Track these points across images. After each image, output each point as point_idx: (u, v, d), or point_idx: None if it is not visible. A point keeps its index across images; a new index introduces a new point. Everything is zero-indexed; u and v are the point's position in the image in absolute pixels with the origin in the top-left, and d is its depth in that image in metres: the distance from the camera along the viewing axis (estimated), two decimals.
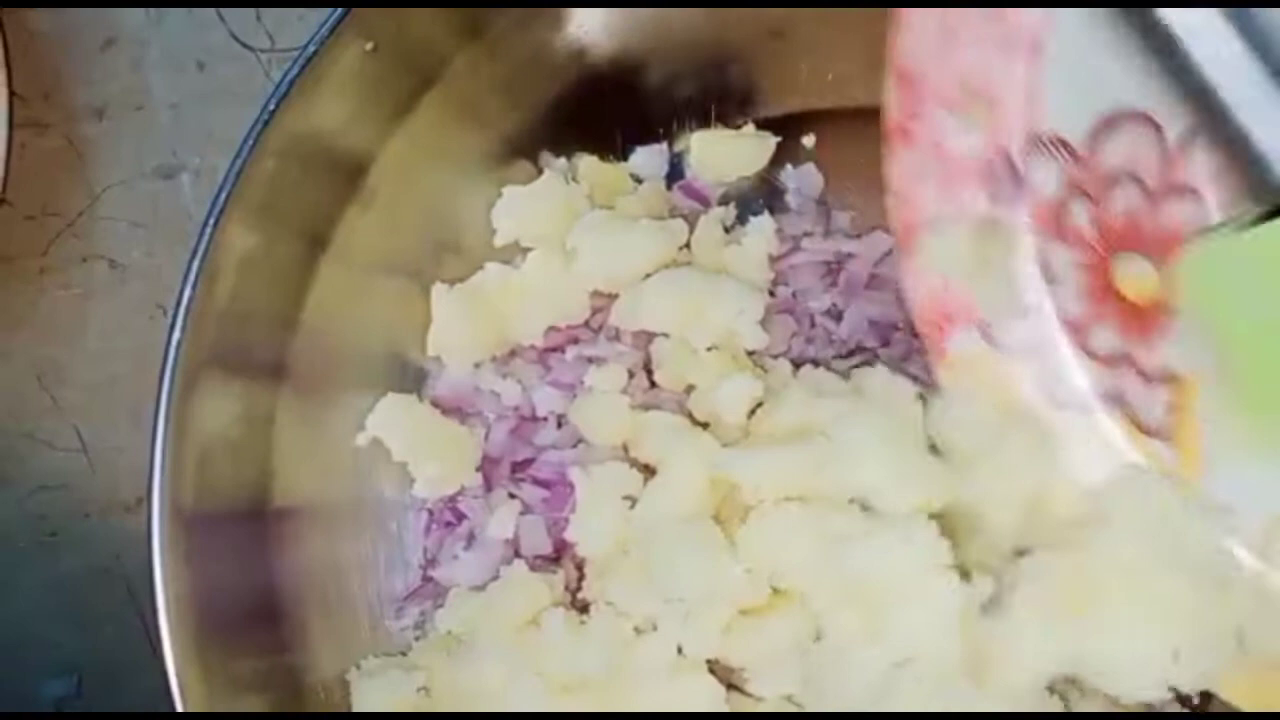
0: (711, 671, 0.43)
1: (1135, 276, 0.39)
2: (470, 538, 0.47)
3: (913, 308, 0.42)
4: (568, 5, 0.46)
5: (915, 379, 0.45)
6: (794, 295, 0.49)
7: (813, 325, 0.48)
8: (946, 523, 0.41)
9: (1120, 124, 0.38)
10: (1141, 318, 0.39)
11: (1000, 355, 0.41)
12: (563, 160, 0.49)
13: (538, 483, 0.47)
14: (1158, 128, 0.37)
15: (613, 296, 0.47)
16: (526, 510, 0.47)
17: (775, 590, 0.42)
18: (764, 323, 0.47)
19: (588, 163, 0.49)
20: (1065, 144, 0.39)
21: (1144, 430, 0.40)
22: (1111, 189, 0.39)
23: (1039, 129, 0.39)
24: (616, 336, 0.48)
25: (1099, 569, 0.40)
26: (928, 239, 0.41)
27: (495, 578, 0.45)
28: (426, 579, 0.47)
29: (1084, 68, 0.38)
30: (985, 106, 0.39)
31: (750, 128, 0.50)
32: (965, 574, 0.41)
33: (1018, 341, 0.41)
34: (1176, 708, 0.44)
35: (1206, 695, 0.45)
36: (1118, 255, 0.39)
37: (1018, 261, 0.40)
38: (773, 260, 0.48)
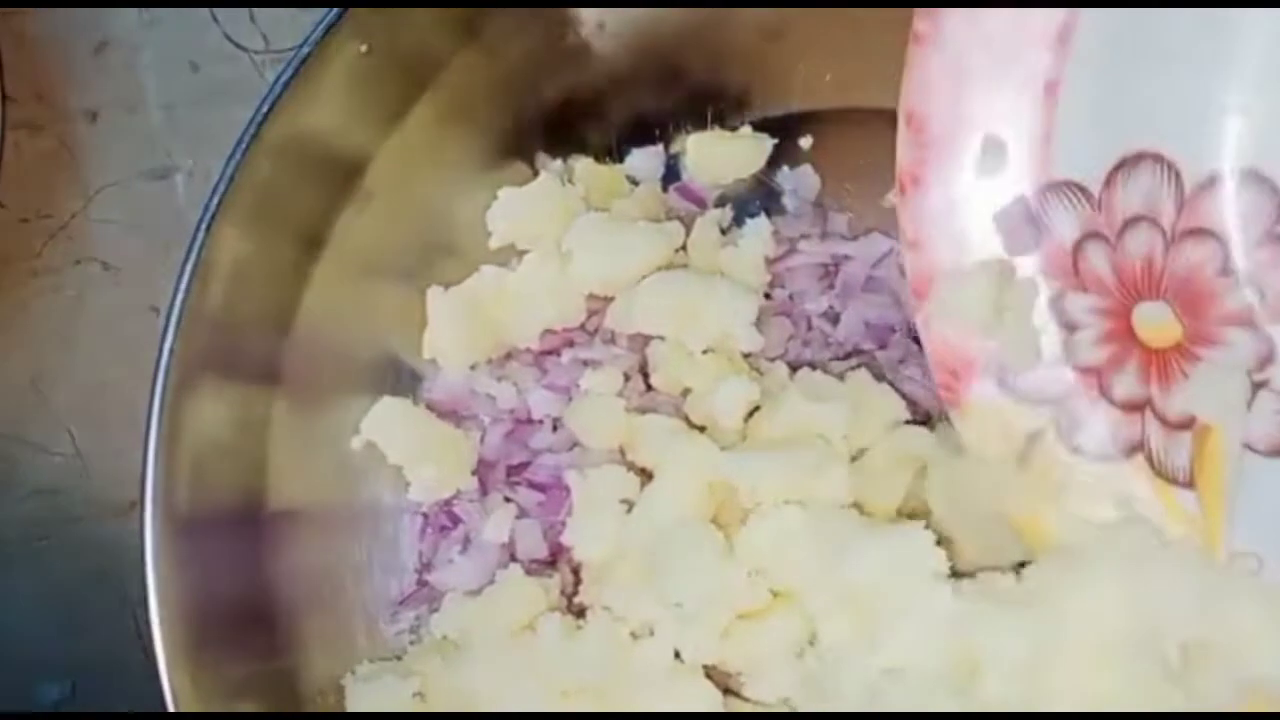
0: (708, 676, 0.43)
1: (1154, 321, 0.39)
2: (466, 542, 0.47)
3: (929, 356, 0.42)
4: (565, 5, 0.45)
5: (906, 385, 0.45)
6: (791, 298, 0.48)
7: (809, 328, 0.48)
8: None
9: (1137, 166, 0.38)
10: (1162, 363, 0.39)
11: (1018, 404, 0.40)
12: (558, 162, 0.49)
13: (534, 486, 0.47)
14: (1175, 170, 0.37)
15: (609, 299, 0.47)
16: (522, 514, 0.46)
17: (773, 594, 0.42)
18: (760, 325, 0.47)
19: (583, 165, 0.49)
20: (1082, 189, 0.38)
21: (1166, 478, 0.39)
22: (1128, 233, 0.38)
23: (1054, 175, 0.38)
24: (612, 339, 0.48)
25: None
26: (943, 288, 0.40)
27: (491, 582, 0.45)
28: (421, 583, 0.47)
29: (1100, 110, 0.37)
30: (999, 151, 0.39)
31: (747, 130, 0.50)
32: (963, 575, 0.41)
33: (1036, 390, 0.40)
34: None
35: None
36: (1137, 301, 0.38)
37: (1035, 309, 0.40)
38: (769, 263, 0.48)
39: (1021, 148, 0.39)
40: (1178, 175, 0.37)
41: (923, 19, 0.38)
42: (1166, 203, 0.37)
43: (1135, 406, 0.39)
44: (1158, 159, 0.37)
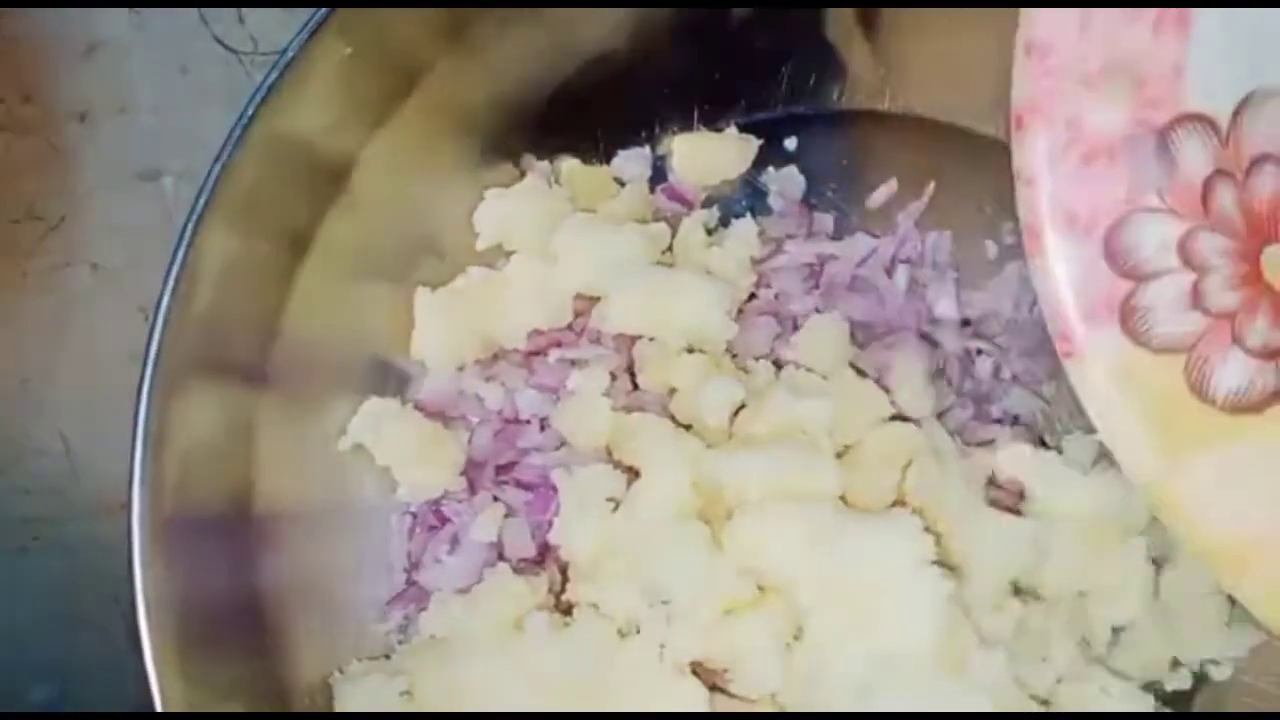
0: (695, 673, 0.43)
1: None
2: (454, 541, 0.47)
3: (1044, 300, 0.38)
4: (560, 5, 0.46)
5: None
6: (776, 297, 0.49)
7: (795, 328, 0.48)
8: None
9: (1265, 103, 0.36)
10: None
11: (1146, 352, 0.37)
12: (545, 163, 0.49)
13: (521, 485, 0.47)
14: None
15: (595, 300, 0.47)
16: (510, 513, 0.47)
17: (760, 588, 0.42)
18: (746, 325, 0.47)
19: (570, 166, 0.49)
20: (1212, 123, 0.36)
21: None
22: (1255, 171, 0.36)
23: (1185, 107, 0.36)
24: (599, 340, 0.48)
25: None
26: (1061, 234, 0.38)
27: (479, 581, 0.45)
28: (410, 583, 0.47)
29: (1231, 42, 0.36)
30: (1129, 82, 0.36)
31: (732, 130, 0.50)
32: (948, 568, 0.42)
33: (1163, 336, 0.37)
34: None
35: (1201, 677, 0.45)
36: (1265, 243, 0.37)
37: (1162, 251, 0.37)
38: (755, 263, 0.48)
39: (1151, 78, 0.37)
40: None
41: None
42: None
43: (1271, 354, 0.37)
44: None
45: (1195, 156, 0.37)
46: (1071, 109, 0.37)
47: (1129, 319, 0.38)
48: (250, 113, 0.40)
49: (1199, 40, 0.36)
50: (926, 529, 0.41)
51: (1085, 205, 0.37)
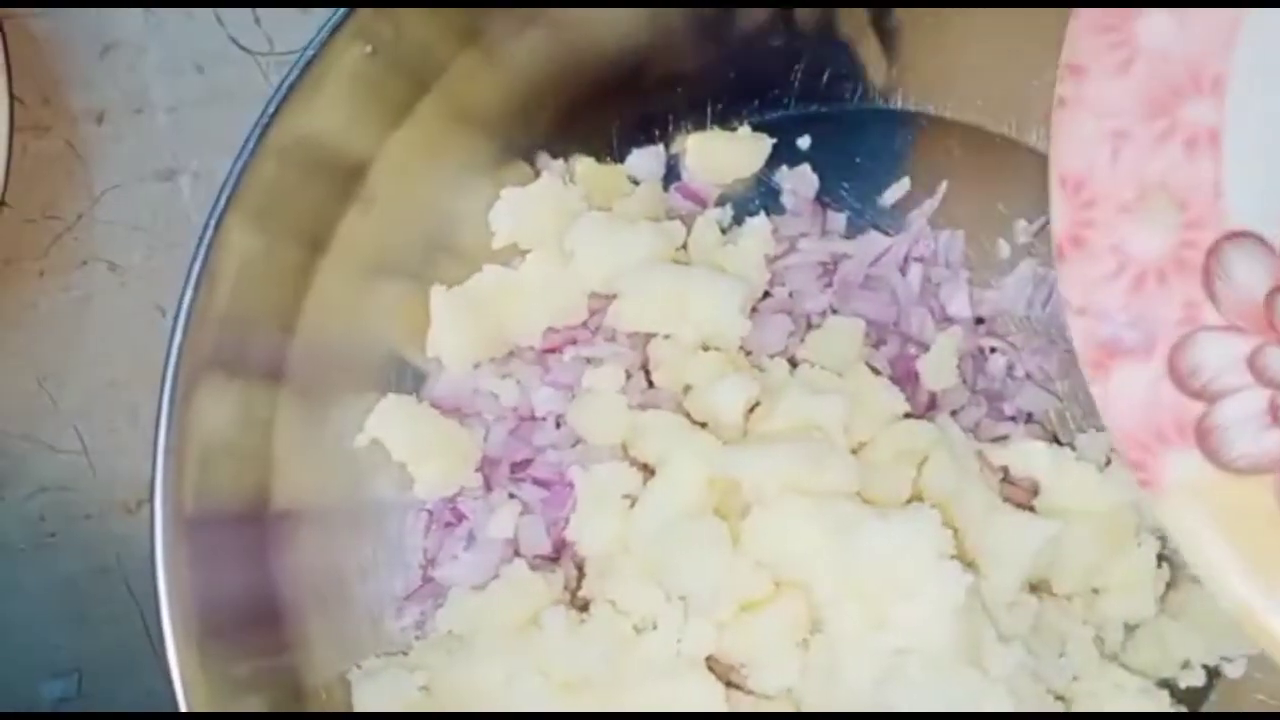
0: (710, 669, 0.43)
1: None
2: (470, 538, 0.47)
3: (1114, 434, 0.37)
4: (567, 5, 0.46)
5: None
6: (790, 295, 0.49)
7: (809, 326, 0.48)
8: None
9: None
10: None
11: (1229, 475, 0.36)
12: (560, 162, 0.49)
13: (537, 483, 0.47)
14: None
15: (610, 298, 0.47)
16: (526, 510, 0.47)
17: (776, 584, 0.43)
18: (761, 323, 0.47)
19: (585, 164, 0.50)
20: (1260, 238, 0.36)
21: None
22: None
23: (1230, 225, 0.36)
24: (614, 337, 0.48)
25: None
26: (1121, 361, 0.37)
27: (495, 577, 0.45)
28: (426, 579, 0.48)
29: (1267, 159, 0.36)
30: (1169, 205, 0.36)
31: (746, 129, 0.50)
32: (965, 563, 0.42)
33: (1246, 456, 0.36)
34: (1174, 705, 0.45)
35: (1215, 674, 0.45)
36: None
37: (1230, 369, 0.36)
38: (769, 261, 0.49)
39: (1191, 199, 0.36)
40: None
41: (1065, 83, 0.37)
42: None
43: None
44: None
45: (1250, 272, 0.36)
46: (1114, 237, 0.37)
47: (1206, 440, 0.36)
48: (270, 112, 0.41)
49: (1234, 156, 0.36)
50: (943, 525, 0.42)
51: (1142, 330, 0.37)
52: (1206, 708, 0.46)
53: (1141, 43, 0.36)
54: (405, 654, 0.46)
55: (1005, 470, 0.46)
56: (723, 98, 0.50)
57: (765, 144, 0.50)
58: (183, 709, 0.40)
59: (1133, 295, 0.37)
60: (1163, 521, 0.37)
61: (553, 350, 0.48)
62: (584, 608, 0.45)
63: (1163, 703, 0.44)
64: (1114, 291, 0.37)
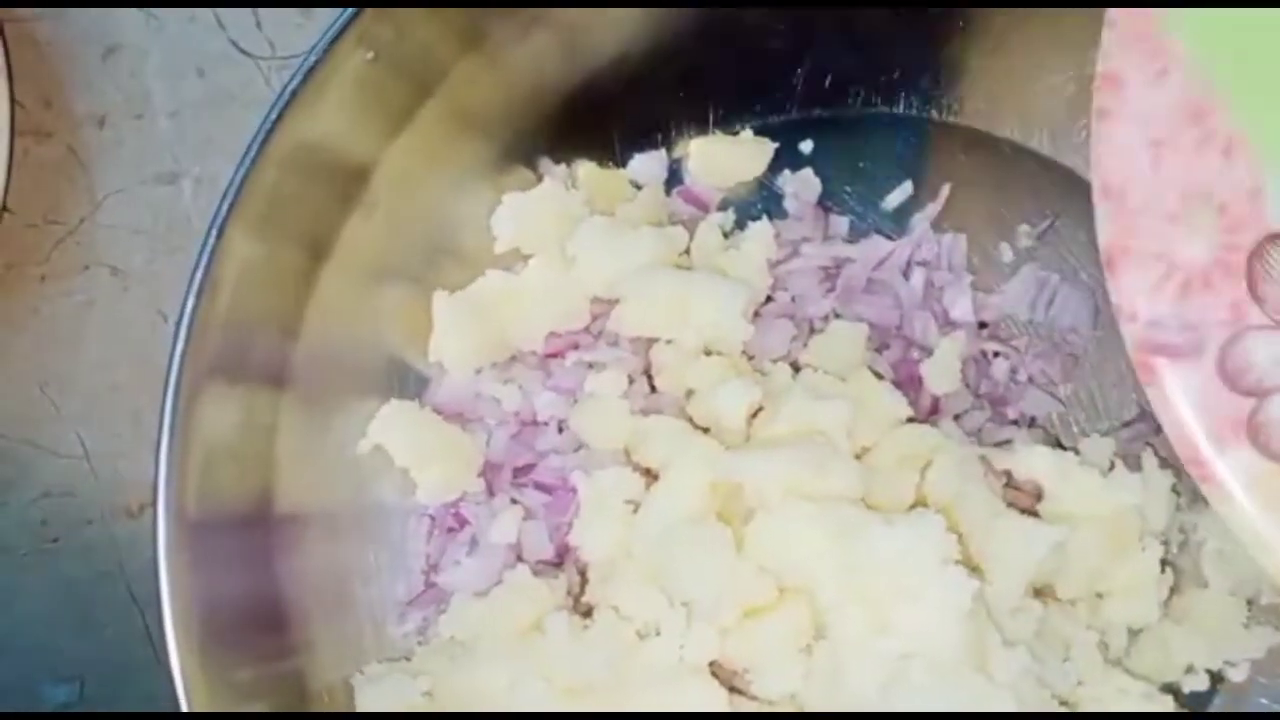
0: (714, 675, 0.43)
1: None
2: (473, 543, 0.47)
3: (1170, 435, 0.38)
4: (570, 5, 0.46)
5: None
6: (793, 300, 0.49)
7: (812, 330, 0.48)
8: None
9: None
10: None
11: None
12: (562, 167, 0.49)
13: (540, 488, 0.47)
14: None
15: (612, 303, 0.47)
16: (529, 515, 0.47)
17: (780, 588, 0.43)
18: (763, 327, 0.47)
19: (587, 169, 0.50)
20: None
21: None
22: None
23: (1272, 227, 0.37)
24: (616, 342, 0.48)
25: None
26: (1172, 363, 0.38)
27: (498, 583, 0.45)
28: (429, 584, 0.48)
29: None
30: (1210, 211, 0.37)
31: (748, 133, 0.50)
32: (970, 568, 0.42)
33: None
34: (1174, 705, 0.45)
35: (1219, 679, 0.45)
36: None
37: (1276, 366, 0.37)
38: (771, 265, 0.48)
39: (1231, 203, 0.37)
40: None
41: (1103, 94, 0.38)
42: None
43: None
44: None
45: None
46: (1159, 244, 0.38)
47: (1259, 436, 0.37)
48: (274, 118, 0.41)
49: (1271, 159, 0.37)
50: (947, 530, 0.42)
51: (1191, 332, 0.38)
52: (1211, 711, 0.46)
53: (1174, 50, 0.36)
54: (408, 659, 0.46)
55: (1009, 475, 0.46)
56: (725, 102, 0.50)
57: (768, 148, 0.50)
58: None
59: (1181, 300, 0.38)
60: (1222, 516, 0.38)
61: (555, 355, 0.48)
62: (587, 613, 0.45)
63: (1166, 707, 0.44)
64: (1163, 297, 0.38)
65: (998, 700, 0.40)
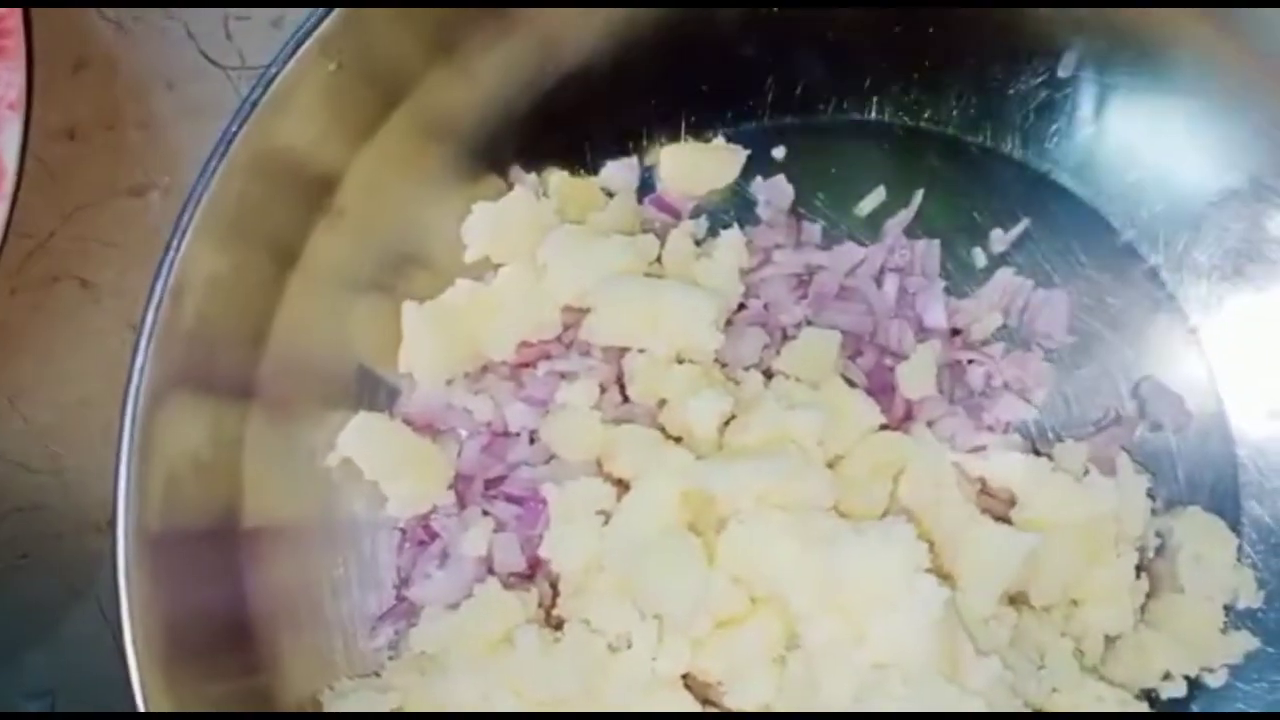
0: (687, 687, 0.43)
1: None
2: (443, 556, 0.47)
3: None
4: (539, 5, 0.45)
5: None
6: (765, 307, 0.49)
7: (784, 338, 0.48)
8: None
9: None
10: None
11: None
12: (533, 175, 0.49)
13: (511, 499, 0.47)
14: None
15: (584, 312, 0.47)
16: (500, 527, 0.46)
17: (753, 599, 0.42)
18: (735, 336, 0.47)
19: (558, 177, 0.49)
20: None
21: None
22: None
23: None
24: (588, 351, 0.48)
25: None
26: None
27: (469, 596, 0.45)
28: (400, 598, 0.47)
29: None
30: None
31: (720, 140, 0.50)
32: (943, 576, 0.41)
33: None
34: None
35: (1196, 685, 0.45)
36: None
37: None
38: (744, 273, 0.48)
39: None
40: None
41: None
42: None
43: None
44: None
45: None
46: None
47: None
48: (235, 128, 0.40)
49: None
50: (920, 537, 0.41)
51: None
52: None
53: None
54: (378, 675, 0.46)
55: (983, 481, 0.46)
56: (697, 109, 0.50)
57: (740, 155, 0.50)
58: None
59: None
60: None
61: (526, 365, 0.48)
62: (558, 626, 0.44)
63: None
64: None
65: (971, 709, 0.40)
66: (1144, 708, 0.44)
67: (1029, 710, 0.42)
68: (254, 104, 0.41)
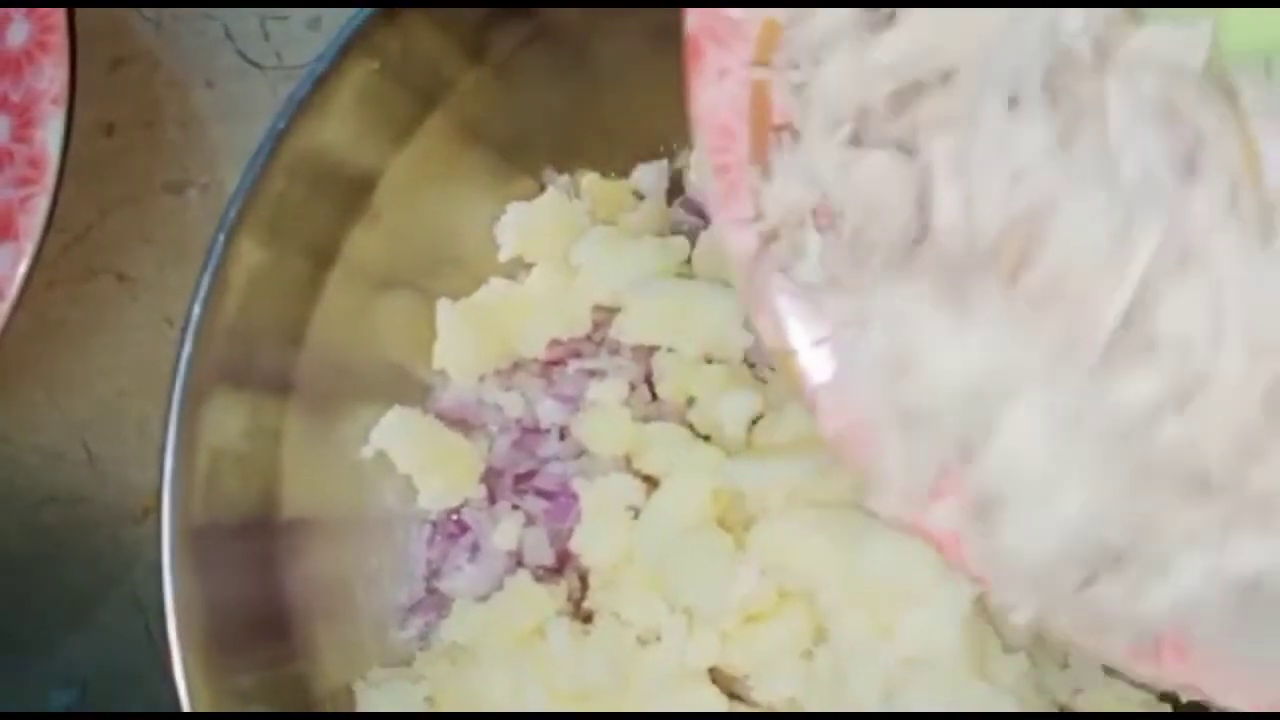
0: (714, 681, 0.43)
1: None
2: (474, 549, 0.47)
3: None
4: (576, 5, 0.46)
5: None
6: None
7: None
8: None
9: None
10: None
11: None
12: (565, 177, 0.50)
13: (541, 494, 0.47)
14: None
15: (614, 311, 0.48)
16: (530, 521, 0.47)
17: (781, 593, 0.43)
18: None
19: (590, 180, 0.50)
20: None
21: None
22: None
23: None
24: (618, 350, 0.48)
25: None
26: None
27: (499, 588, 0.45)
28: (431, 590, 0.48)
29: None
30: None
31: None
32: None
33: None
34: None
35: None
36: None
37: None
38: None
39: None
40: None
41: None
42: None
43: None
44: None
45: None
46: None
47: None
48: (281, 126, 0.41)
49: None
50: None
51: None
52: None
53: None
54: (409, 664, 0.46)
55: None
56: None
57: None
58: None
59: None
60: None
61: (557, 363, 0.49)
62: (588, 619, 0.45)
63: None
64: None
65: (1000, 705, 0.40)
66: (1166, 708, 0.44)
67: (1056, 710, 0.42)
68: (300, 102, 0.41)
